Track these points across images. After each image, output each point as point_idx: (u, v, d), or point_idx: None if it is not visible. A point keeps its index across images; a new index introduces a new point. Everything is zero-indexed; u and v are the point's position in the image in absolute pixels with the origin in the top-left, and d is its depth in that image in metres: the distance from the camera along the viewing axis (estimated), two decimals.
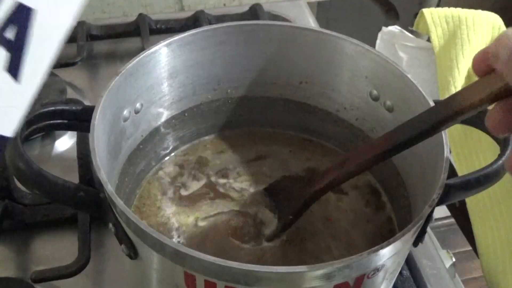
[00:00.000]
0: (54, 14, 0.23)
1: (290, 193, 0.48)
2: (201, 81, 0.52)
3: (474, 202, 0.62)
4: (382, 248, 0.34)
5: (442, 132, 0.41)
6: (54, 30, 0.23)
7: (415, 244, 0.42)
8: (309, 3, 0.94)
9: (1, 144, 0.25)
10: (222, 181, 0.53)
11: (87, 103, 0.69)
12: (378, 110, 0.50)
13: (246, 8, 0.85)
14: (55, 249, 0.55)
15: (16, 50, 0.22)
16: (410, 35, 0.75)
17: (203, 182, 0.53)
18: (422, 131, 0.37)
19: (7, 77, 0.23)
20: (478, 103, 0.33)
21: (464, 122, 0.44)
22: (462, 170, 0.64)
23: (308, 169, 0.54)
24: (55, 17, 0.23)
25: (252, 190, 0.52)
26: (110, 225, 0.39)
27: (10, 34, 0.22)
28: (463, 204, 0.65)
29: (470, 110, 0.34)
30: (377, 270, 0.36)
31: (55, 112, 0.43)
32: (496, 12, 0.73)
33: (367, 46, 0.48)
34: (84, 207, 0.39)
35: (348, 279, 0.35)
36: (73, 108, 0.43)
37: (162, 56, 0.48)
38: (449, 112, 0.35)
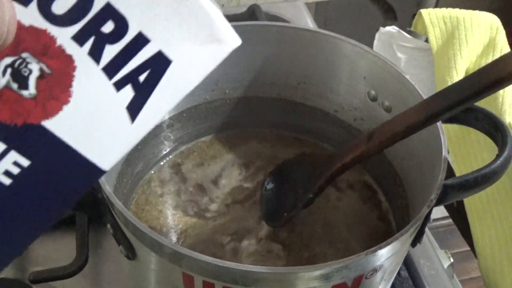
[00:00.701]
0: (187, 70, 0.24)
1: (307, 171, 0.46)
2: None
3: (472, 203, 0.62)
4: (380, 248, 0.34)
5: (440, 132, 0.41)
6: (181, 84, 0.24)
7: (413, 244, 0.42)
8: (307, 4, 0.94)
9: (95, 175, 0.24)
10: (221, 181, 0.53)
11: None
12: (376, 111, 0.50)
13: (244, 9, 0.85)
14: (53, 250, 0.55)
15: (142, 93, 0.23)
16: (408, 35, 0.75)
17: (202, 182, 0.53)
18: (459, 100, 0.35)
19: (125, 115, 0.24)
20: None
21: (462, 122, 0.44)
22: (460, 170, 0.64)
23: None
24: (187, 72, 0.24)
25: (251, 187, 0.52)
26: (108, 225, 0.39)
27: (142, 76, 0.23)
28: (461, 204, 0.65)
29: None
30: (375, 270, 0.36)
31: None
32: (493, 12, 0.73)
33: (365, 47, 0.48)
34: (82, 208, 0.39)
35: (346, 279, 0.35)
36: None
37: None
38: (492, 77, 0.34)
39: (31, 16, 0.21)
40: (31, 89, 0.22)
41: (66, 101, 0.23)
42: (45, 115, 0.22)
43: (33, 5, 0.21)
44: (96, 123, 0.23)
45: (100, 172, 0.24)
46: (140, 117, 0.24)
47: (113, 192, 0.38)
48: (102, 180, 0.37)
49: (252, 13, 0.83)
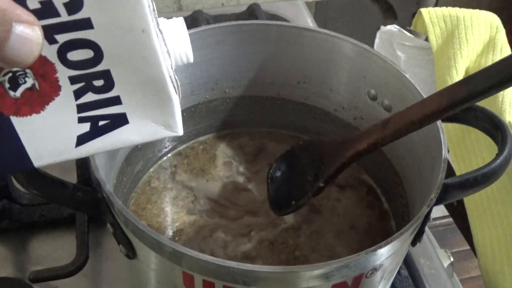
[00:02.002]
0: (133, 133, 0.30)
1: (317, 158, 0.45)
2: (199, 80, 0.52)
3: (472, 202, 0.63)
4: (380, 247, 0.34)
5: (440, 131, 0.41)
6: (123, 140, 0.31)
7: (413, 243, 0.42)
8: (307, 3, 0.94)
9: (25, 167, 0.30)
10: (221, 180, 0.53)
11: None
12: (376, 110, 0.50)
13: (244, 8, 0.85)
14: (53, 249, 0.55)
15: (95, 133, 0.30)
16: (408, 34, 0.75)
17: (202, 181, 0.53)
18: (483, 88, 0.33)
19: (74, 139, 0.30)
20: None
21: (462, 121, 0.44)
22: (460, 169, 0.64)
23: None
24: (133, 135, 0.31)
25: (250, 187, 0.52)
26: (108, 225, 0.39)
27: (101, 122, 0.30)
28: (461, 203, 0.65)
29: None
30: (375, 269, 0.36)
31: None
32: (493, 11, 0.73)
33: (365, 46, 0.48)
34: (82, 207, 0.39)
35: (346, 278, 0.35)
36: None
37: None
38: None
39: (49, 50, 0.26)
40: (17, 93, 0.27)
41: (38, 112, 0.28)
42: (15, 113, 0.28)
43: (55, 46, 0.26)
44: (50, 134, 0.29)
45: (30, 166, 0.30)
46: (83, 146, 0.30)
47: (113, 191, 0.38)
48: (102, 179, 0.37)
49: (252, 12, 0.83)
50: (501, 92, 0.64)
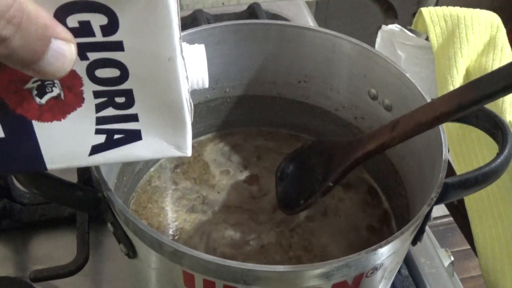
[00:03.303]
0: (145, 149, 0.32)
1: (326, 157, 0.45)
2: None
3: (473, 201, 0.62)
4: (380, 247, 0.34)
5: (441, 131, 0.41)
6: (134, 155, 0.32)
7: (414, 243, 0.42)
8: (307, 2, 0.94)
9: (38, 167, 0.32)
10: (221, 179, 0.53)
11: None
12: (377, 109, 0.50)
13: (244, 7, 0.84)
14: (54, 249, 0.55)
15: (109, 145, 0.32)
16: (409, 33, 0.75)
17: (202, 180, 0.53)
18: (494, 90, 0.33)
19: (88, 148, 0.32)
20: None
21: (463, 121, 0.44)
22: (461, 169, 0.64)
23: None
24: (144, 150, 0.32)
25: (250, 187, 0.52)
26: (109, 224, 0.39)
27: (116, 136, 0.31)
28: (461, 202, 0.65)
29: None
30: (375, 269, 0.36)
31: None
32: (494, 11, 0.73)
33: (365, 45, 0.48)
34: (83, 206, 0.39)
35: (346, 278, 0.35)
36: None
37: None
38: None
39: (79, 65, 0.28)
40: (43, 100, 0.29)
41: (59, 119, 0.30)
42: (38, 118, 0.29)
43: (86, 62, 0.28)
44: (67, 141, 0.31)
45: (43, 168, 0.31)
46: (95, 156, 0.32)
47: (114, 190, 0.38)
48: (103, 178, 0.37)
49: (252, 11, 0.82)
50: None
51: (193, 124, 0.54)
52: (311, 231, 0.49)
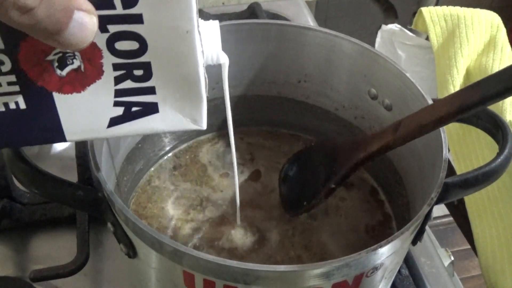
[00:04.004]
0: (161, 121, 0.33)
1: (329, 158, 0.45)
2: None
3: (473, 201, 0.63)
4: (380, 247, 0.34)
5: (441, 130, 0.41)
6: (150, 127, 0.33)
7: (414, 242, 0.42)
8: (307, 2, 0.94)
9: (58, 139, 0.32)
10: (222, 179, 0.53)
11: None
12: (377, 109, 0.50)
13: (244, 7, 0.84)
14: (54, 248, 0.55)
15: (126, 117, 0.32)
16: (409, 33, 0.75)
17: (202, 180, 0.53)
18: (495, 92, 0.33)
19: (107, 121, 0.32)
20: None
21: (463, 121, 0.44)
22: (461, 168, 0.64)
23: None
24: (159, 123, 0.33)
25: (249, 187, 0.52)
26: (109, 224, 0.39)
27: (134, 108, 0.32)
28: (461, 202, 0.65)
29: None
30: (375, 268, 0.36)
31: None
32: (494, 10, 0.73)
33: (365, 45, 0.48)
34: (83, 206, 0.39)
35: (347, 277, 0.35)
36: None
37: None
38: None
39: (99, 38, 0.29)
40: (63, 72, 0.30)
41: (78, 91, 0.30)
42: (58, 90, 0.30)
43: (106, 35, 0.29)
44: (86, 113, 0.31)
45: (63, 139, 0.32)
46: (113, 128, 0.32)
47: (114, 190, 0.38)
48: (103, 178, 0.37)
49: (253, 11, 0.82)
50: None
51: None
52: (312, 230, 0.49)
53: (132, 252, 0.39)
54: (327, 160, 0.45)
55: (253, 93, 0.55)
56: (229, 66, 0.52)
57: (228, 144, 0.56)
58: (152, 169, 0.53)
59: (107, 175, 0.39)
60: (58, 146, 0.66)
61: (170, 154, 0.55)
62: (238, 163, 0.54)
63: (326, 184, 0.44)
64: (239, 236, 0.48)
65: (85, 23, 0.26)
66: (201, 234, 0.48)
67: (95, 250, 0.54)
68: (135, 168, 0.51)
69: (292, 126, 0.57)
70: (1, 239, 0.55)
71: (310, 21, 0.88)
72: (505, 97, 0.34)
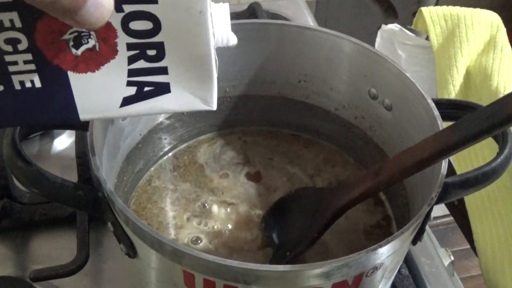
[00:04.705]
0: (171, 102, 0.33)
1: (309, 207, 0.44)
2: None
3: (473, 200, 0.63)
4: (380, 246, 0.34)
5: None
6: (161, 107, 0.34)
7: (414, 242, 0.42)
8: (307, 2, 0.94)
9: (71, 118, 0.33)
10: (221, 179, 0.53)
11: None
12: (377, 109, 0.50)
13: (244, 7, 0.84)
14: (54, 248, 0.55)
15: (139, 97, 0.33)
16: (409, 33, 0.75)
17: (202, 180, 0.53)
18: (475, 133, 0.33)
19: (119, 100, 0.33)
20: None
21: None
22: (461, 168, 0.64)
23: (290, 167, 0.53)
24: (170, 103, 0.33)
25: (252, 190, 0.52)
26: (109, 224, 0.39)
27: (147, 88, 0.33)
28: (461, 202, 0.65)
29: None
30: (375, 268, 0.36)
31: None
32: (494, 10, 0.73)
33: (365, 45, 0.48)
34: (83, 206, 0.39)
35: (347, 277, 0.35)
36: None
37: None
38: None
39: (114, 18, 0.29)
40: (79, 52, 0.30)
41: (93, 71, 0.31)
42: (73, 69, 0.31)
43: (121, 14, 0.29)
44: (100, 92, 0.32)
45: (76, 118, 0.33)
46: (126, 107, 0.33)
47: (114, 190, 0.38)
48: (103, 178, 0.37)
49: (253, 11, 0.82)
50: (502, 91, 0.64)
51: (193, 124, 0.55)
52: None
53: (132, 252, 0.39)
54: (308, 208, 0.44)
55: (253, 93, 0.55)
56: (229, 66, 0.53)
57: (227, 144, 0.56)
58: (152, 169, 0.53)
59: (107, 175, 0.39)
60: (58, 146, 0.66)
61: (170, 154, 0.55)
62: (237, 163, 0.55)
63: (309, 233, 0.43)
64: (239, 235, 0.48)
65: (102, 1, 0.26)
66: (201, 234, 0.48)
67: (95, 250, 0.54)
68: (135, 168, 0.51)
69: (292, 126, 0.57)
70: (1, 239, 0.55)
71: (310, 21, 0.88)
72: (487, 137, 0.34)
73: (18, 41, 0.29)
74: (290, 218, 0.47)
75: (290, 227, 0.46)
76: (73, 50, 0.30)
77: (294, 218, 0.46)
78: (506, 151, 0.40)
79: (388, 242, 0.34)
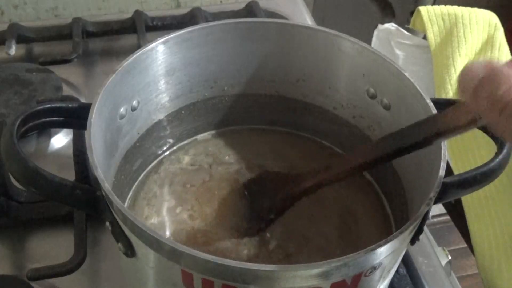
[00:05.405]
0: None
1: (270, 190, 0.48)
2: (198, 78, 0.52)
3: (470, 200, 0.63)
4: (379, 246, 0.34)
5: None
6: None
7: (412, 242, 0.42)
8: (305, 0, 0.94)
9: None
10: (220, 177, 0.53)
11: (83, 100, 0.69)
12: (375, 108, 0.50)
13: (242, 5, 0.84)
14: (51, 247, 0.55)
15: None
16: (406, 32, 0.75)
17: (200, 179, 0.53)
18: (412, 144, 0.38)
19: None
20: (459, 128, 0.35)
21: None
22: (458, 168, 0.64)
23: (289, 167, 0.54)
24: None
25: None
26: (107, 223, 0.39)
27: None
28: (458, 201, 0.65)
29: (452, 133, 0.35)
30: (374, 268, 0.36)
31: (51, 109, 0.42)
32: (492, 10, 0.73)
33: (364, 44, 0.48)
34: (81, 205, 0.39)
35: (345, 277, 0.35)
36: (70, 105, 0.43)
37: (159, 54, 0.48)
38: (434, 130, 0.36)
39: None
40: None
41: None
42: None
43: None
44: None
45: None
46: None
47: (112, 189, 0.38)
48: (101, 177, 0.36)
49: (251, 9, 0.82)
50: None
51: (191, 122, 0.55)
52: (310, 228, 0.49)
53: (130, 251, 0.39)
54: (269, 191, 0.48)
55: (251, 92, 0.55)
56: (228, 65, 0.52)
57: (225, 143, 0.56)
58: (150, 168, 0.53)
59: (105, 174, 0.39)
60: (56, 144, 0.65)
61: (168, 153, 0.55)
62: (235, 162, 0.54)
63: (267, 214, 0.47)
64: (238, 236, 0.48)
65: None
66: (200, 233, 0.48)
67: (93, 249, 0.54)
68: (133, 167, 0.51)
69: (291, 125, 0.57)
70: None
71: (308, 19, 0.88)
72: (415, 150, 0.38)
73: None
74: (257, 197, 0.49)
75: (257, 205, 0.49)
76: None
77: (259, 199, 0.49)
78: (504, 151, 0.40)
79: (387, 242, 0.34)
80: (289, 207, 0.46)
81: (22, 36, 0.77)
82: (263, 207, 0.47)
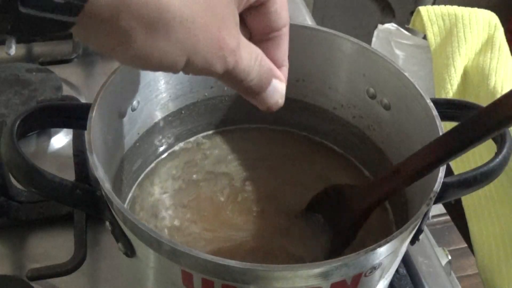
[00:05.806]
0: None
1: (338, 205, 0.45)
2: (198, 78, 0.52)
3: (470, 200, 0.63)
4: (379, 246, 0.34)
5: (440, 131, 0.41)
6: None
7: (412, 242, 0.42)
8: (305, 0, 0.94)
9: None
10: (220, 177, 0.53)
11: (82, 100, 0.69)
12: (375, 108, 0.50)
13: None
14: (51, 247, 0.55)
15: None
16: (406, 32, 0.75)
17: (200, 179, 0.53)
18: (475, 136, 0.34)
19: None
20: None
21: (461, 120, 0.44)
22: (458, 167, 0.64)
23: (290, 167, 0.53)
24: None
25: (248, 188, 0.52)
26: (107, 223, 0.39)
27: None
28: (458, 201, 0.65)
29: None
30: (374, 268, 0.36)
31: (51, 109, 0.42)
32: (492, 10, 0.73)
33: (364, 44, 0.48)
34: (81, 205, 0.39)
35: (345, 277, 0.35)
36: (69, 105, 0.43)
37: None
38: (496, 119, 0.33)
39: None
40: None
41: None
42: None
43: None
44: None
45: None
46: None
47: (112, 189, 0.38)
48: (101, 177, 0.36)
49: None
50: (499, 90, 0.65)
51: (191, 123, 0.55)
52: (310, 227, 0.49)
53: (130, 251, 0.39)
54: (336, 207, 0.46)
55: None
56: None
57: (225, 143, 0.56)
58: (150, 168, 0.53)
59: (105, 174, 0.39)
60: (55, 144, 0.65)
61: (168, 152, 0.55)
62: (235, 162, 0.54)
63: (339, 232, 0.45)
64: (238, 234, 0.48)
65: (279, 88, 0.34)
66: (200, 233, 0.48)
67: (93, 249, 0.54)
68: (133, 167, 0.51)
69: (290, 125, 0.57)
70: None
71: (307, 19, 0.88)
72: (487, 139, 0.34)
73: None
74: (325, 216, 0.48)
75: (327, 225, 0.47)
76: None
77: (328, 217, 0.47)
78: (504, 151, 0.40)
79: (387, 242, 0.34)
80: (366, 219, 0.43)
81: None
82: (343, 224, 0.45)
